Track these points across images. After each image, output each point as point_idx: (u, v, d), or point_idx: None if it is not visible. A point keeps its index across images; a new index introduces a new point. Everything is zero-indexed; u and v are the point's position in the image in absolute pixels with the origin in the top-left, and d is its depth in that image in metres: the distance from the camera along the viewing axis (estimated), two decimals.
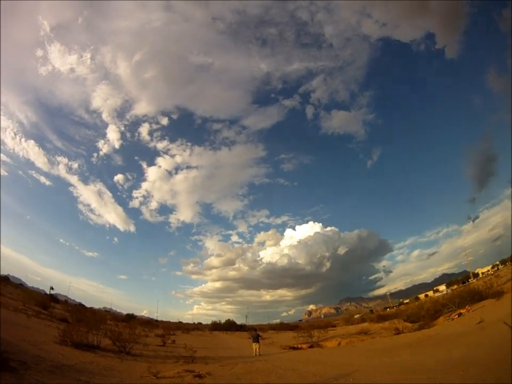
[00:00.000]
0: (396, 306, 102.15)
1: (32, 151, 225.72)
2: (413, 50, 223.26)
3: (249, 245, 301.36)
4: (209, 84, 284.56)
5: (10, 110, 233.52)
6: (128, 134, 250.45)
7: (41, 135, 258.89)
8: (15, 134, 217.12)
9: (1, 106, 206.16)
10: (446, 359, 13.65)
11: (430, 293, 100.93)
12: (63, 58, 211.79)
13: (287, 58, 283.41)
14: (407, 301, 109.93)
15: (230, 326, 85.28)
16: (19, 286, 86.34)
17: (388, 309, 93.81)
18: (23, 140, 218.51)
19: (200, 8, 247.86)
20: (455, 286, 79.88)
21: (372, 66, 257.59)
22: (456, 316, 28.77)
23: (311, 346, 33.56)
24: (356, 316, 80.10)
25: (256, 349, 27.28)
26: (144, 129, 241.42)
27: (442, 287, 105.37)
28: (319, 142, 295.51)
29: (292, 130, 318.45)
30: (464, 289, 43.36)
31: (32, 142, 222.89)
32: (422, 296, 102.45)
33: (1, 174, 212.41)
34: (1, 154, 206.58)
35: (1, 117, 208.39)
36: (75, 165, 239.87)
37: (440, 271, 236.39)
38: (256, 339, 28.02)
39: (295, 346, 34.57)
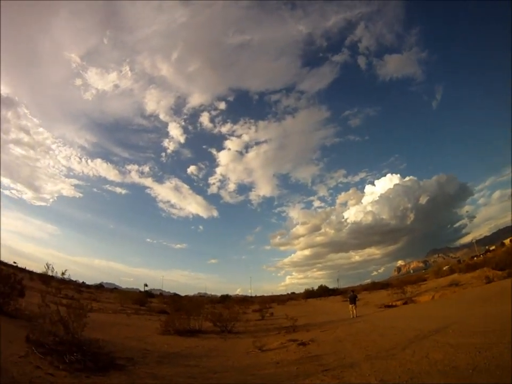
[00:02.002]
0: (482, 254, 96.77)
1: (101, 168, 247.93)
2: None
3: (332, 207, 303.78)
4: (255, 59, 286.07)
5: (69, 139, 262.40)
6: (190, 127, 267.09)
7: (106, 152, 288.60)
8: (80, 158, 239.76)
9: (59, 139, 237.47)
10: None
11: None
12: (103, 79, 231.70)
13: (322, 14, 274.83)
14: (493, 247, 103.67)
15: (323, 292, 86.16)
16: (113, 290, 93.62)
17: (475, 258, 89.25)
18: (89, 161, 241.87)
19: None
20: None
21: (408, 1, 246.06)
22: None
23: (405, 303, 33.03)
24: (444, 268, 77.53)
25: (353, 311, 26.98)
26: (204, 118, 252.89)
27: None
28: (380, 91, 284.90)
29: (350, 85, 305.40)
30: None
31: (98, 160, 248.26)
32: (507, 241, 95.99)
33: (77, 196, 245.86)
34: (72, 180, 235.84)
35: (62, 147, 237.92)
36: (146, 169, 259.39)
37: None
38: (353, 300, 27.65)
39: (390, 304, 33.97)
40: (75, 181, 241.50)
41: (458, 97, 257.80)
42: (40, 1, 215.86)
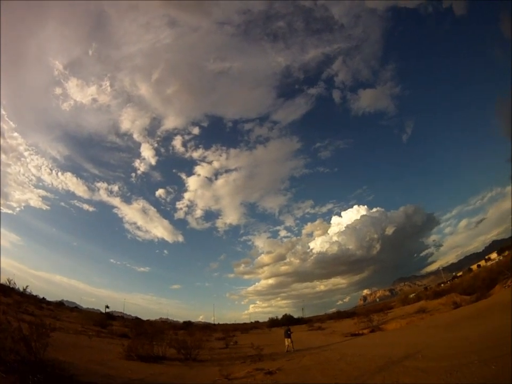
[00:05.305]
0: (449, 280, 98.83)
1: (70, 182, 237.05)
2: (421, 15, 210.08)
3: (298, 237, 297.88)
4: (232, 87, 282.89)
5: (42, 149, 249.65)
6: (162, 149, 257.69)
7: (77, 166, 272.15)
8: (51, 170, 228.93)
9: (32, 147, 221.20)
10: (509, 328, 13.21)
11: (482, 263, 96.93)
12: (83, 91, 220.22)
13: (302, 47, 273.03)
14: (460, 273, 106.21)
15: (287, 321, 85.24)
16: (74, 309, 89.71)
17: (442, 284, 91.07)
18: (59, 173, 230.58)
19: (204, 17, 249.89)
20: (507, 252, 76.63)
21: (386, 39, 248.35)
22: None
23: (372, 331, 32.91)
24: (411, 295, 78.63)
25: (288, 345, 26.51)
26: (177, 142, 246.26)
27: (494, 255, 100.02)
28: (352, 124, 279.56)
29: (323, 118, 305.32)
30: None
31: (69, 174, 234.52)
32: (474, 267, 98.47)
33: (44, 208, 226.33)
34: (40, 190, 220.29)
35: (35, 156, 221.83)
36: (115, 188, 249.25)
37: (489, 239, 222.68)
38: (287, 335, 27.29)
39: (357, 332, 33.81)
40: (43, 193, 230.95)
41: (428, 131, 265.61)
42: (33, 1, 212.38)
